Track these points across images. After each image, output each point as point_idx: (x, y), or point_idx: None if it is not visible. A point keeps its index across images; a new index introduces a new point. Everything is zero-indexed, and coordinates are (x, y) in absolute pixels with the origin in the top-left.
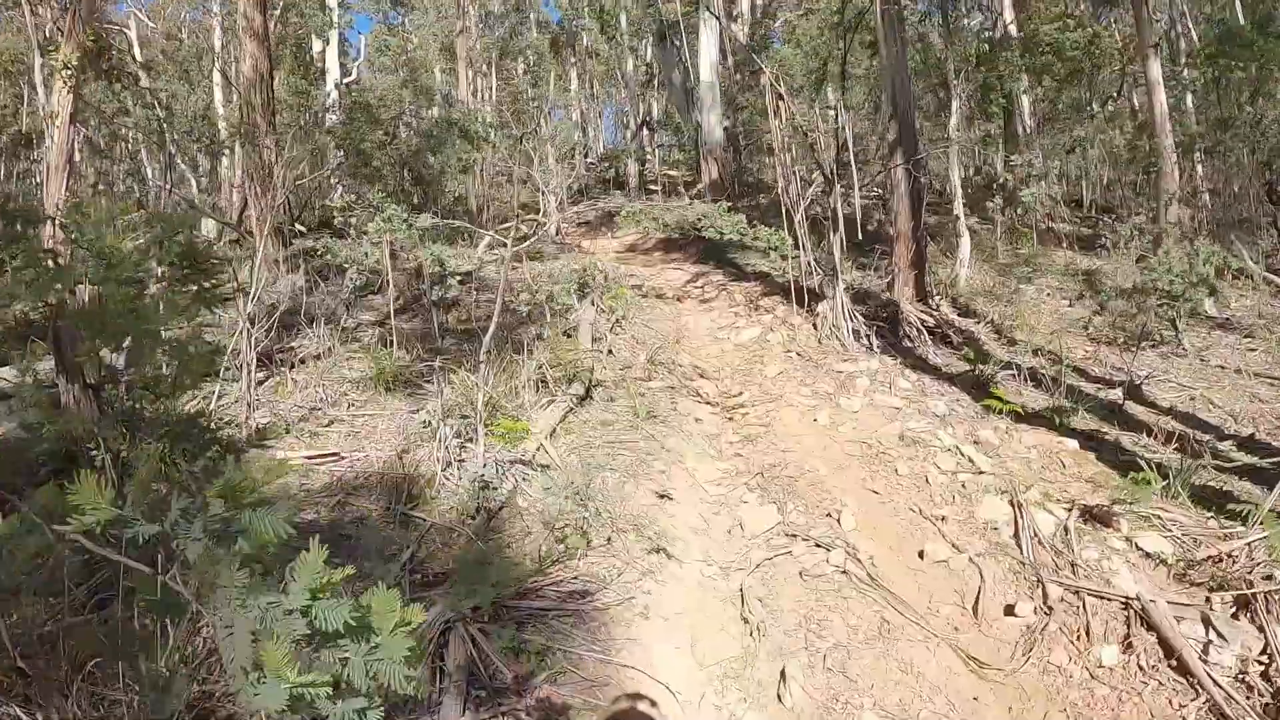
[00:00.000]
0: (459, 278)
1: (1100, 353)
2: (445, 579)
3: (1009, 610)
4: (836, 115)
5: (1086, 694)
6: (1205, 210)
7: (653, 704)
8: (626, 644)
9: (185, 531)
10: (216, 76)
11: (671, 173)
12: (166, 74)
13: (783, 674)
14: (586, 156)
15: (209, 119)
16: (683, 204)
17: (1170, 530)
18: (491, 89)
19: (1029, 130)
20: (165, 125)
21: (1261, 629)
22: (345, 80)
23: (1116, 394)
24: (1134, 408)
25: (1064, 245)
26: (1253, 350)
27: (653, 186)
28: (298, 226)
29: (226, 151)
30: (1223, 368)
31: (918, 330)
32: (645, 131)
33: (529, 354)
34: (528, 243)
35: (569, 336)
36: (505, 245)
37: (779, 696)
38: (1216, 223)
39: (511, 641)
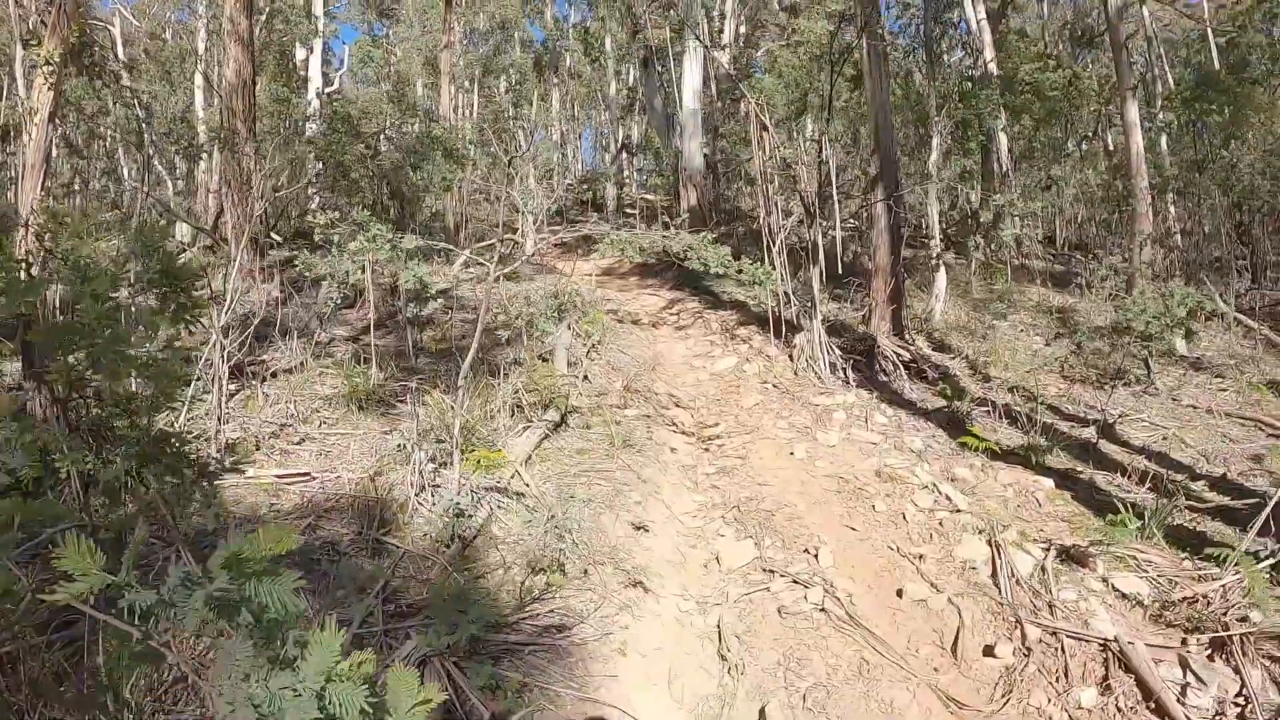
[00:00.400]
0: (439, 298)
1: (1073, 391)
2: (419, 610)
3: (988, 651)
4: (820, 148)
5: None
6: (1178, 251)
7: None
8: (605, 681)
9: (185, 600)
10: (198, 79)
11: (649, 197)
12: (148, 74)
13: (762, 713)
14: (565, 178)
15: (188, 121)
16: (662, 230)
17: (1146, 571)
18: (473, 106)
19: (1005, 167)
20: (144, 126)
21: (1237, 670)
22: (327, 90)
23: (1090, 432)
24: (1108, 446)
25: (1037, 282)
26: (1224, 390)
27: (630, 210)
28: (273, 236)
29: (204, 155)
30: (1194, 407)
31: (894, 365)
32: (625, 155)
33: (504, 378)
34: (510, 267)
35: (545, 360)
36: (481, 264)
37: None
38: (1189, 263)
39: (490, 679)
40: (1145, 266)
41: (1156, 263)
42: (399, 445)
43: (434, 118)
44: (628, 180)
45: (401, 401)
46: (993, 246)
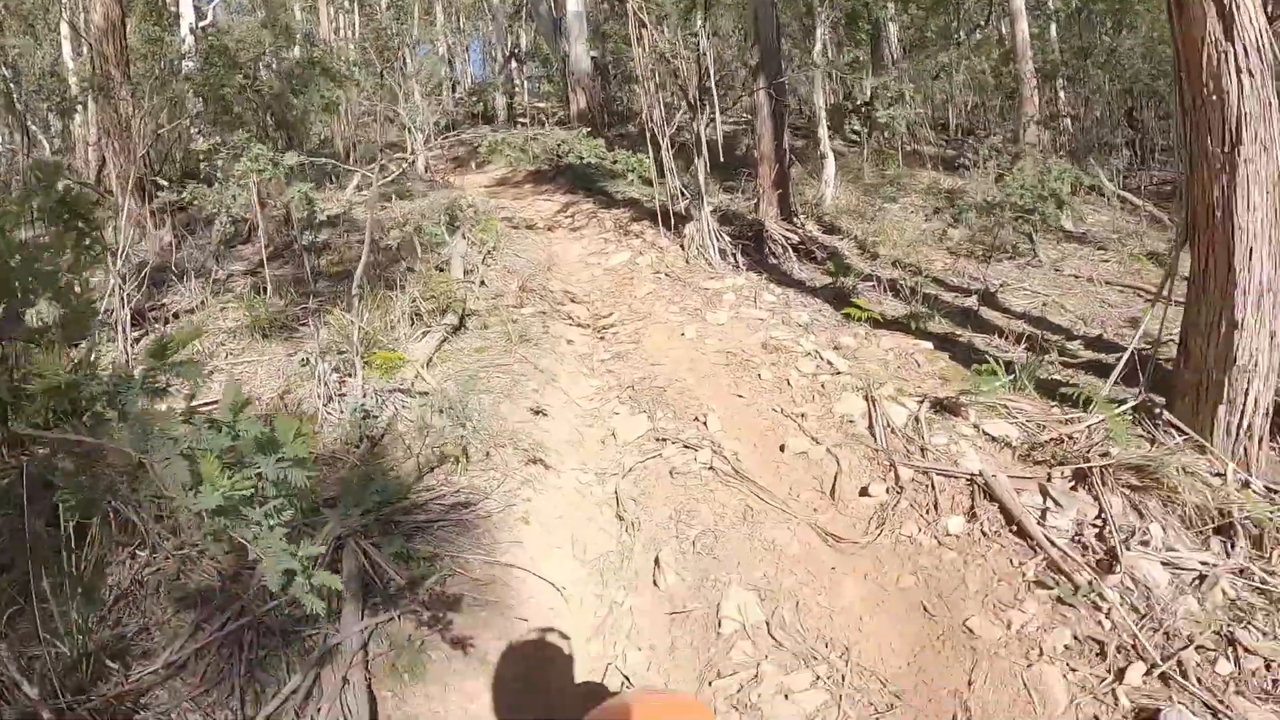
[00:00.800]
0: (328, 217)
1: (959, 264)
2: (335, 503)
3: (863, 492)
4: (699, 43)
5: (935, 559)
6: (1067, 134)
7: (564, 636)
8: (510, 546)
9: (126, 389)
10: (64, 28)
11: (541, 105)
12: (10, 29)
13: (656, 561)
14: (454, 91)
15: (58, 75)
16: (545, 132)
17: (1016, 418)
18: (354, 26)
19: (896, 56)
20: (12, 86)
21: (1097, 498)
22: (201, 24)
23: (972, 301)
24: (989, 313)
25: (929, 166)
26: (1105, 261)
27: (522, 119)
28: (159, 180)
29: (79, 108)
30: (1076, 277)
31: (782, 247)
32: (513, 64)
33: (402, 289)
34: (393, 177)
35: (441, 270)
36: (373, 184)
37: (654, 581)
38: (1076, 145)
39: (400, 549)
40: (1031, 147)
41: (1043, 143)
42: (303, 361)
43: (313, 41)
44: (518, 89)
45: (304, 325)
46: (884, 133)
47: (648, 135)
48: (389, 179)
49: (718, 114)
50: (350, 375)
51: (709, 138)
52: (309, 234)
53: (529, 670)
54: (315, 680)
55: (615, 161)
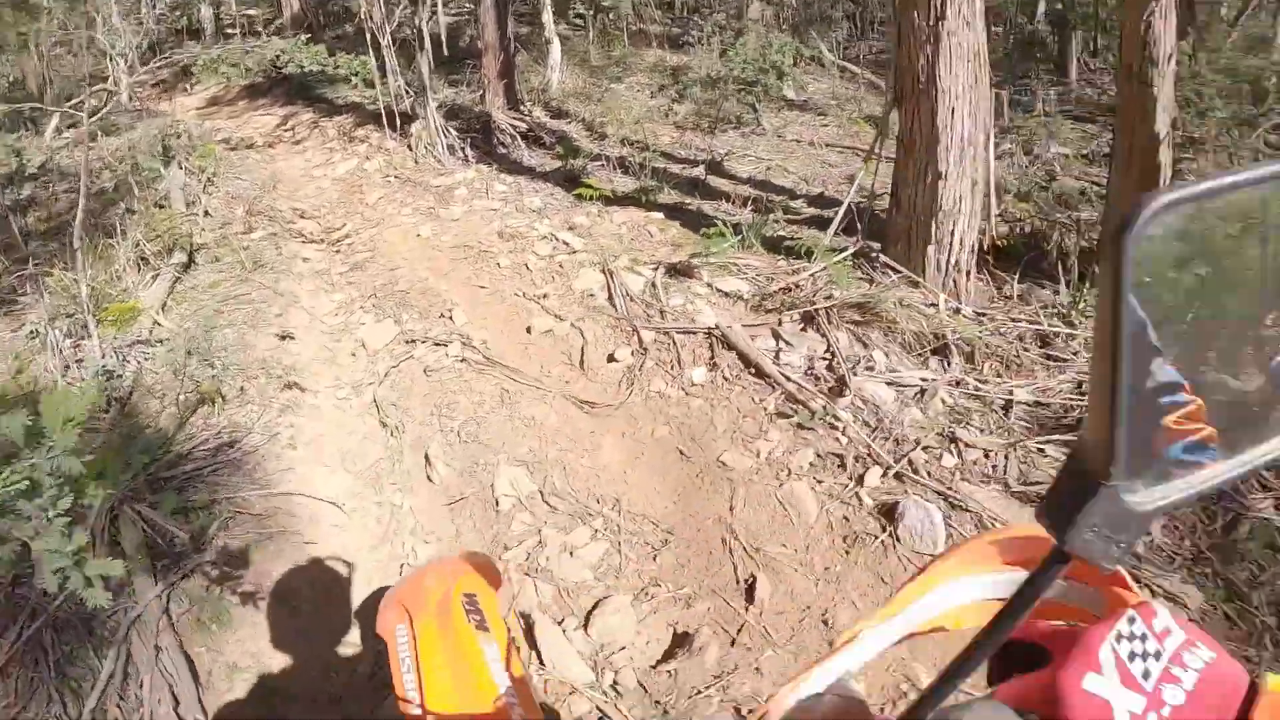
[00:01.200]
0: (33, 171)
1: (686, 137)
2: (101, 474)
3: (610, 358)
4: None
5: (684, 408)
6: (789, 9)
7: (347, 565)
8: (283, 475)
9: None
10: None
11: (251, 12)
12: None
13: (426, 458)
14: (155, 8)
15: None
16: (262, 44)
17: (746, 273)
18: None
19: None
20: None
21: (824, 335)
22: None
23: (700, 171)
24: (716, 181)
25: (654, 45)
26: (825, 126)
27: (231, 30)
28: None
29: None
30: (798, 141)
31: (511, 136)
32: None
33: (123, 234)
34: (102, 112)
35: (161, 207)
36: (77, 126)
37: (428, 477)
38: (798, 19)
39: (177, 504)
40: (754, 23)
41: (765, 18)
42: (31, 334)
43: None
44: None
45: (23, 294)
46: (612, 16)
47: (368, 35)
48: (98, 115)
49: (440, 6)
50: (85, 338)
51: (432, 32)
52: (11, 191)
53: (315, 594)
54: (127, 659)
55: (338, 67)
